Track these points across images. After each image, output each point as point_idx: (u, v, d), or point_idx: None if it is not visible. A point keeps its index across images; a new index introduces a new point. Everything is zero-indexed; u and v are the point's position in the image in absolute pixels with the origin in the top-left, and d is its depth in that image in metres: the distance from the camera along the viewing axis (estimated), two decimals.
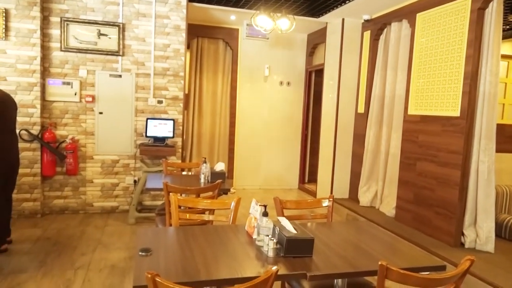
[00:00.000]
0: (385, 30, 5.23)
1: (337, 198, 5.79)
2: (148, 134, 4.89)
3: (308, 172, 7.28)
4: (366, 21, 5.48)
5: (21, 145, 4.50)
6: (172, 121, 4.96)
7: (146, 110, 5.03)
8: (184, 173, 4.07)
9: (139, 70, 4.97)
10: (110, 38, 4.80)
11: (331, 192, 5.82)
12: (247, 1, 5.10)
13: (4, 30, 4.36)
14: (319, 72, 6.75)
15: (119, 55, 4.86)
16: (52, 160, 4.66)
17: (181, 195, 2.87)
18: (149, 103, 5.03)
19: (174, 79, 5.10)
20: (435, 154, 4.13)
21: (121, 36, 4.82)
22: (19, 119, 4.49)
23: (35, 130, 4.58)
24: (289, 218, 2.44)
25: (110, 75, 4.87)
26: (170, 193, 2.41)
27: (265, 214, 1.91)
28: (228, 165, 6.90)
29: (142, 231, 2.03)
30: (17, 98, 4.46)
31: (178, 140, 5.18)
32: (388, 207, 4.98)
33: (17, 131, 4.44)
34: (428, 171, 4.22)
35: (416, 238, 4.09)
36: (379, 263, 1.50)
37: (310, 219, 2.63)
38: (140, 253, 1.72)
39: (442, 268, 1.80)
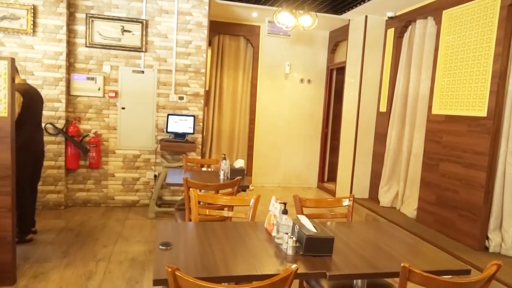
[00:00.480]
0: (410, 27, 5.11)
1: (357, 198, 5.72)
2: (168, 130, 4.94)
3: (328, 171, 7.21)
4: (390, 18, 5.37)
5: (46, 138, 4.62)
6: (192, 117, 5.00)
7: (167, 106, 5.09)
8: (203, 169, 4.10)
9: (161, 66, 5.02)
10: (133, 34, 4.87)
11: (351, 192, 5.75)
12: None
13: (32, 26, 4.47)
14: (341, 70, 6.67)
15: (142, 51, 4.92)
16: (75, 153, 4.77)
17: (200, 190, 2.89)
18: (170, 99, 5.08)
19: (195, 75, 5.13)
20: (460, 155, 4.02)
21: (144, 32, 4.88)
22: (45, 113, 4.60)
23: (60, 124, 4.69)
24: (309, 216, 2.43)
25: (133, 71, 4.94)
26: (190, 189, 2.42)
27: (284, 212, 1.89)
28: (247, 162, 6.90)
29: (163, 225, 2.05)
30: (43, 93, 4.57)
31: (198, 136, 5.21)
32: (409, 208, 4.89)
33: (43, 124, 4.57)
34: (452, 172, 4.12)
35: (438, 240, 4.00)
36: (402, 264, 1.47)
37: (330, 218, 2.60)
38: (160, 246, 1.74)
39: (467, 272, 1.75)
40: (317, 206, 2.56)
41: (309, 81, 6.96)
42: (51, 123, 4.64)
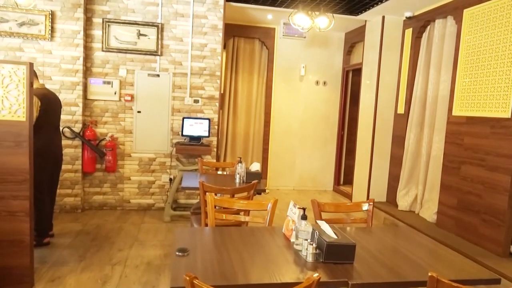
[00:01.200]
0: (428, 27, 5.01)
1: (374, 201, 5.60)
2: (184, 133, 4.94)
3: (344, 174, 7.12)
4: (408, 18, 5.27)
5: (64, 142, 4.66)
6: (207, 121, 4.98)
7: (182, 109, 5.08)
8: (219, 172, 4.07)
9: (176, 70, 5.02)
10: (149, 38, 4.89)
11: (368, 195, 5.65)
12: (284, 0, 5.03)
13: (50, 32, 4.53)
14: (357, 72, 6.58)
15: (158, 55, 4.93)
16: (92, 157, 4.80)
17: (216, 194, 2.85)
18: (186, 102, 5.07)
19: (211, 78, 5.12)
20: (483, 157, 3.90)
21: (159, 36, 4.89)
22: (62, 117, 4.64)
23: (77, 128, 4.73)
24: (327, 221, 2.37)
25: (149, 74, 4.96)
26: (206, 193, 2.39)
27: (304, 217, 1.84)
28: (262, 165, 6.86)
29: (179, 231, 2.02)
30: (61, 97, 4.60)
31: (213, 140, 5.20)
32: (429, 212, 4.76)
33: (61, 128, 4.61)
34: (474, 176, 4.00)
35: (460, 246, 3.88)
36: (429, 274, 1.40)
37: (349, 223, 2.53)
38: (177, 253, 1.70)
39: (496, 281, 1.67)
40: (336, 211, 2.49)
41: (324, 83, 6.89)
42: (68, 127, 4.68)
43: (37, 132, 3.40)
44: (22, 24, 4.48)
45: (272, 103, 6.74)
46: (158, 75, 4.98)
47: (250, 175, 3.46)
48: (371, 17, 5.60)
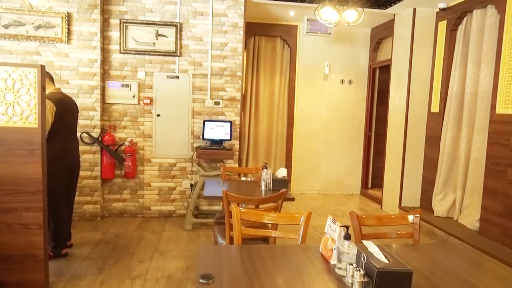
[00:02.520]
0: (465, 19, 4.63)
1: (408, 206, 5.26)
2: (205, 137, 4.72)
3: (372, 177, 6.77)
4: (442, 10, 4.90)
5: (82, 147, 4.53)
6: (229, 123, 4.76)
7: (203, 112, 4.87)
8: (242, 178, 3.83)
9: (196, 71, 4.82)
10: (167, 38, 4.70)
11: (400, 200, 5.30)
12: None
13: (66, 34, 4.40)
14: (384, 69, 6.24)
15: (177, 56, 4.74)
16: (111, 163, 4.65)
17: (239, 205, 2.61)
18: (206, 105, 4.86)
19: (232, 79, 4.89)
20: None
21: (178, 36, 4.70)
22: (80, 122, 4.51)
23: (96, 133, 4.58)
24: (367, 237, 2.09)
25: (168, 76, 4.77)
26: (232, 205, 2.15)
27: (347, 237, 1.57)
28: (285, 168, 6.58)
29: (203, 250, 1.78)
30: (78, 101, 4.48)
31: (236, 143, 4.97)
32: (470, 219, 4.39)
33: (78, 134, 4.47)
34: None
35: (507, 256, 3.51)
36: None
37: (393, 238, 2.24)
38: (200, 280, 1.46)
39: None
40: (379, 225, 2.21)
41: (350, 81, 6.57)
42: (86, 132, 4.54)
43: (52, 138, 3.26)
44: (38, 27, 4.36)
45: (295, 104, 6.47)
46: (177, 77, 4.79)
47: (277, 182, 3.21)
48: (401, 10, 5.26)
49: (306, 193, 6.62)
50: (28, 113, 2.54)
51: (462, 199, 4.62)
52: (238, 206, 2.25)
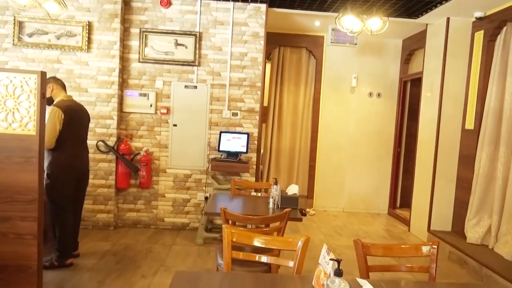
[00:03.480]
0: (504, 28, 4.25)
1: (437, 230, 4.85)
2: (220, 149, 4.58)
3: (400, 195, 6.37)
4: (479, 19, 4.55)
5: (97, 156, 4.53)
6: (246, 135, 4.59)
7: (220, 123, 4.74)
8: (253, 193, 3.63)
9: (215, 81, 4.71)
10: (186, 48, 4.63)
11: (429, 222, 4.90)
12: (332, 3, 4.55)
13: (87, 43, 4.42)
14: (416, 82, 5.89)
15: (195, 65, 4.66)
16: (126, 172, 4.59)
17: (235, 223, 2.42)
18: (224, 116, 4.73)
19: (251, 90, 4.74)
20: None
21: (197, 45, 4.62)
22: (97, 130, 4.52)
23: (111, 141, 4.55)
24: (375, 269, 1.83)
25: (186, 86, 4.69)
26: (223, 225, 1.96)
27: (338, 273, 1.34)
28: (308, 183, 6.34)
29: (178, 278, 1.59)
30: (96, 110, 4.50)
31: (253, 156, 4.79)
32: (507, 248, 3.95)
33: (94, 142, 4.47)
34: None
35: None
36: None
37: (404, 272, 1.96)
38: None
39: None
40: (387, 255, 1.94)
41: (378, 94, 6.25)
42: (102, 141, 4.51)
43: (61, 146, 3.23)
44: (60, 36, 4.42)
45: (320, 117, 6.22)
46: (195, 87, 4.70)
47: (286, 200, 2.99)
48: (433, 19, 4.93)
49: (330, 210, 6.31)
50: (27, 120, 2.49)
51: (498, 225, 4.18)
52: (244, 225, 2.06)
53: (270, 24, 5.67)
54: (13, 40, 4.36)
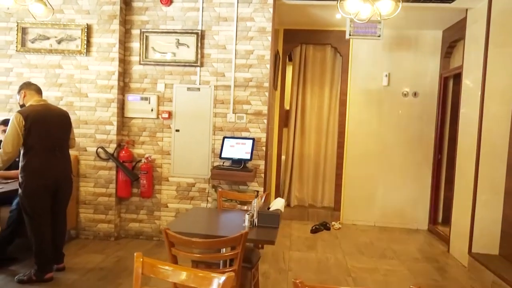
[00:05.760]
0: None
1: (481, 253, 4.06)
2: (223, 155, 4.20)
3: (443, 209, 5.54)
4: None
5: (98, 163, 4.36)
6: (251, 141, 4.17)
7: (225, 127, 4.36)
8: (238, 206, 3.17)
9: (219, 82, 4.35)
10: (188, 47, 4.33)
11: (470, 243, 4.11)
12: None
13: (85, 46, 4.28)
14: (459, 79, 5.08)
15: (198, 66, 4.33)
16: (127, 180, 4.37)
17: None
18: (228, 120, 4.35)
19: (257, 91, 4.32)
20: None
21: (199, 44, 4.29)
22: (97, 136, 4.35)
23: (112, 148, 4.35)
24: None
25: (188, 88, 4.38)
26: (135, 254, 1.56)
27: None
28: (335, 194, 5.74)
29: None
30: (96, 115, 4.34)
31: (261, 163, 4.34)
32: None
33: (94, 148, 4.30)
34: None
35: None
36: None
37: None
38: None
39: None
40: None
41: (415, 94, 5.52)
42: (102, 147, 4.33)
43: (27, 153, 3.03)
44: (61, 41, 4.31)
45: (347, 120, 5.61)
46: (198, 89, 4.37)
47: (264, 217, 2.51)
48: (472, 2, 4.18)
49: (359, 224, 5.66)
50: None
51: None
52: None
53: (287, 20, 5.23)
54: (17, 46, 4.33)
